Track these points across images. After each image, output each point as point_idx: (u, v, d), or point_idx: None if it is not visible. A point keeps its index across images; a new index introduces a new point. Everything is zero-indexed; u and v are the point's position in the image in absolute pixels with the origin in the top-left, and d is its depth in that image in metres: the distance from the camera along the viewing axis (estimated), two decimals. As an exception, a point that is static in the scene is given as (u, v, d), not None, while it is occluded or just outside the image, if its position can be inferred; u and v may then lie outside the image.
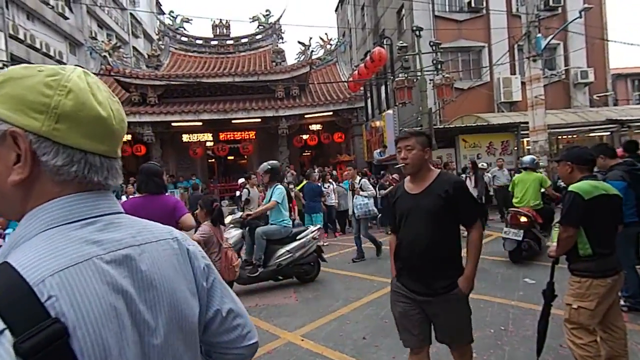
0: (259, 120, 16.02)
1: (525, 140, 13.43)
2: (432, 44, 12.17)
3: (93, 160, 0.63)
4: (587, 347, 2.41)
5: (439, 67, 12.11)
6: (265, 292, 5.43)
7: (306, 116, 16.16)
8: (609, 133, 14.12)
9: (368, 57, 12.66)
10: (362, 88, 15.86)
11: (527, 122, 12.49)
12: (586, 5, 11.66)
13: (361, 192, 7.08)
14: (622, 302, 3.53)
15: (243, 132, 16.98)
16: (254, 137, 17.08)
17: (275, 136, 16.23)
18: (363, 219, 7.06)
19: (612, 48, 17.57)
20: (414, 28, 11.85)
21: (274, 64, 17.15)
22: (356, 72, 13.77)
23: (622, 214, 2.62)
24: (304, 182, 9.95)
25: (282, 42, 19.98)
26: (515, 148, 13.29)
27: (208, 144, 17.36)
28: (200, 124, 15.92)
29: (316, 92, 17.25)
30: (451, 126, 13.41)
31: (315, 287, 5.52)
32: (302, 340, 3.73)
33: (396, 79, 12.04)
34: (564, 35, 15.61)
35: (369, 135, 16.08)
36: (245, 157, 18.25)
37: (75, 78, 0.62)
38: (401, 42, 12.69)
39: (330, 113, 16.27)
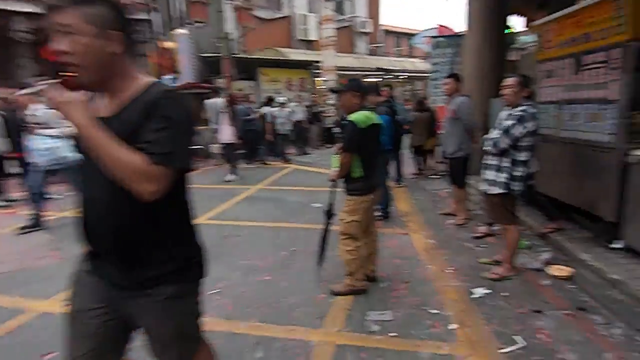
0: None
1: (318, 79, 14.98)
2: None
3: None
4: (353, 251, 3.10)
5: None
6: (7, 256, 4.28)
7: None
8: (380, 79, 17.43)
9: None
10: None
11: (320, 62, 13.90)
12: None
13: (42, 131, 4.69)
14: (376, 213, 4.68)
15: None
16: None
17: (10, 42, 12.22)
18: (52, 171, 4.93)
19: (383, 4, 21.28)
20: None
21: None
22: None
23: (381, 141, 3.34)
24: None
25: None
26: (310, 85, 14.71)
27: None
28: None
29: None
30: (252, 57, 13.58)
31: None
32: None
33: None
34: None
35: (159, 58, 14.62)
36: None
37: None
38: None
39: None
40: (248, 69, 12.93)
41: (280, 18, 16.43)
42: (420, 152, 7.86)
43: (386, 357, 2.40)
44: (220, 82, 11.73)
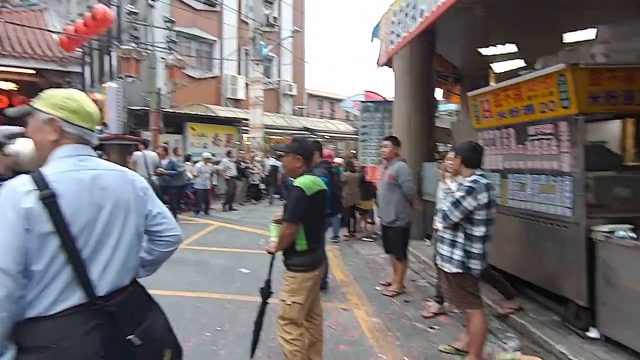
0: None
1: (245, 135, 14.43)
2: (166, 19, 11.13)
3: (83, 131, 1.33)
4: (296, 341, 2.34)
5: (172, 47, 11.26)
6: None
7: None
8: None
9: (90, 13, 10.05)
10: (80, 49, 12.62)
11: (248, 119, 13.47)
12: (295, 28, 13.74)
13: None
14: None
15: None
16: None
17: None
18: None
19: (307, 70, 22.09)
20: (148, -5, 10.42)
21: None
22: (72, 27, 10.61)
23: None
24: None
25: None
26: (238, 142, 14.04)
27: None
28: None
29: (10, 40, 12.36)
30: (181, 112, 12.70)
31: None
32: None
33: (122, 47, 10.21)
34: (278, 50, 18.02)
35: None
36: None
37: (75, 94, 1.34)
38: (131, 6, 10.87)
39: (33, 71, 12.13)
40: (176, 123, 12.13)
41: (210, 77, 15.93)
42: (352, 213, 7.31)
43: None
44: (146, 134, 10.71)
